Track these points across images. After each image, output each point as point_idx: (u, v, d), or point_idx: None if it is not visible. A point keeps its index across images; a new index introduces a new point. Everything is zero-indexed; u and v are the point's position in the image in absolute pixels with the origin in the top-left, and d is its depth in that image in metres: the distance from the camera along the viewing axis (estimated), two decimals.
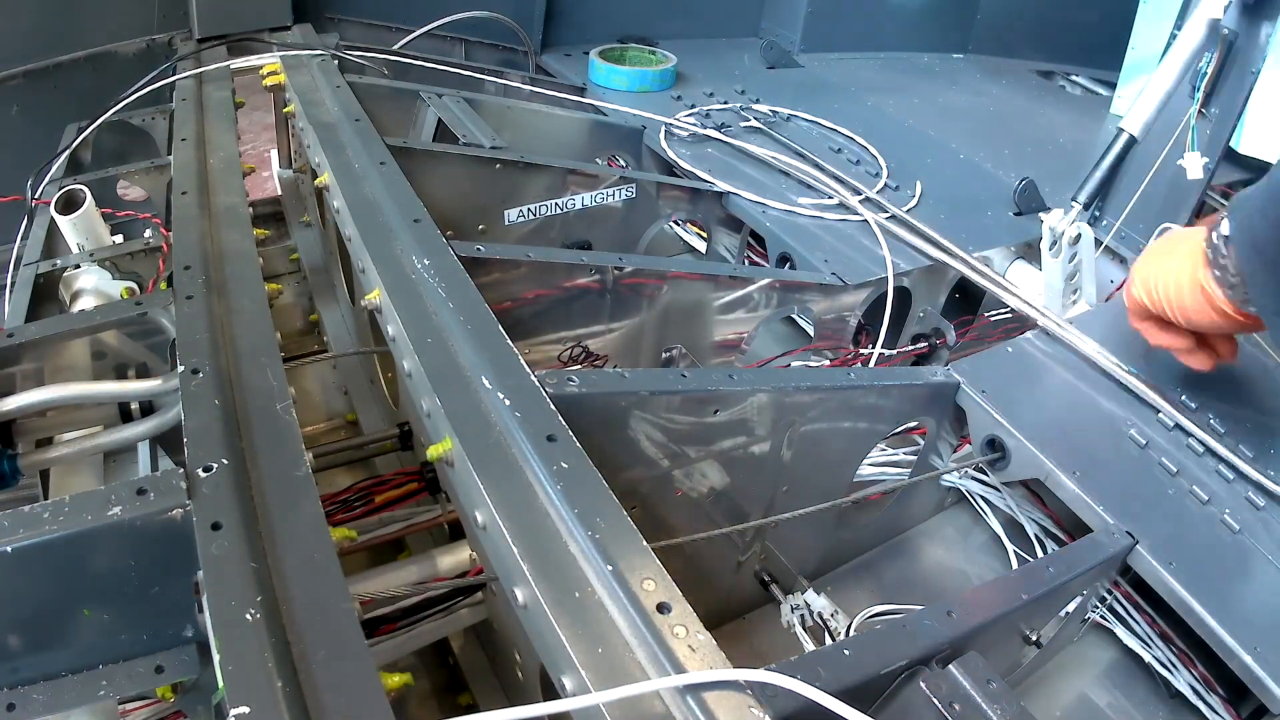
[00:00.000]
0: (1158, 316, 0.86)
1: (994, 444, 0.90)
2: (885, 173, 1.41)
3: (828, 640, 0.83)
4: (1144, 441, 0.90)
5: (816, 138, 1.54)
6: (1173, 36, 1.11)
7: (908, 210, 1.31)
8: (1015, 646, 0.79)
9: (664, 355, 1.08)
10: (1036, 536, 0.91)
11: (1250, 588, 0.79)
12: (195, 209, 0.93)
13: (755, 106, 1.62)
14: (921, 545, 1.04)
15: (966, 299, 1.36)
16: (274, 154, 1.58)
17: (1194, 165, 1.07)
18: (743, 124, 1.55)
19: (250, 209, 0.96)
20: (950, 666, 0.59)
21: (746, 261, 1.30)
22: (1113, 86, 1.98)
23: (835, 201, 1.29)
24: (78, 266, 0.99)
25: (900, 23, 2.20)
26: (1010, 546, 0.94)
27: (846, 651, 0.57)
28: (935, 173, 1.47)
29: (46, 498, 0.85)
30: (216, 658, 0.47)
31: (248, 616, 0.49)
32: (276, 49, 1.41)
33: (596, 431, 0.67)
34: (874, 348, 1.17)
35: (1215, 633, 0.74)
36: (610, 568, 0.52)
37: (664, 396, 0.71)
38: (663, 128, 1.44)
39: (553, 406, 0.64)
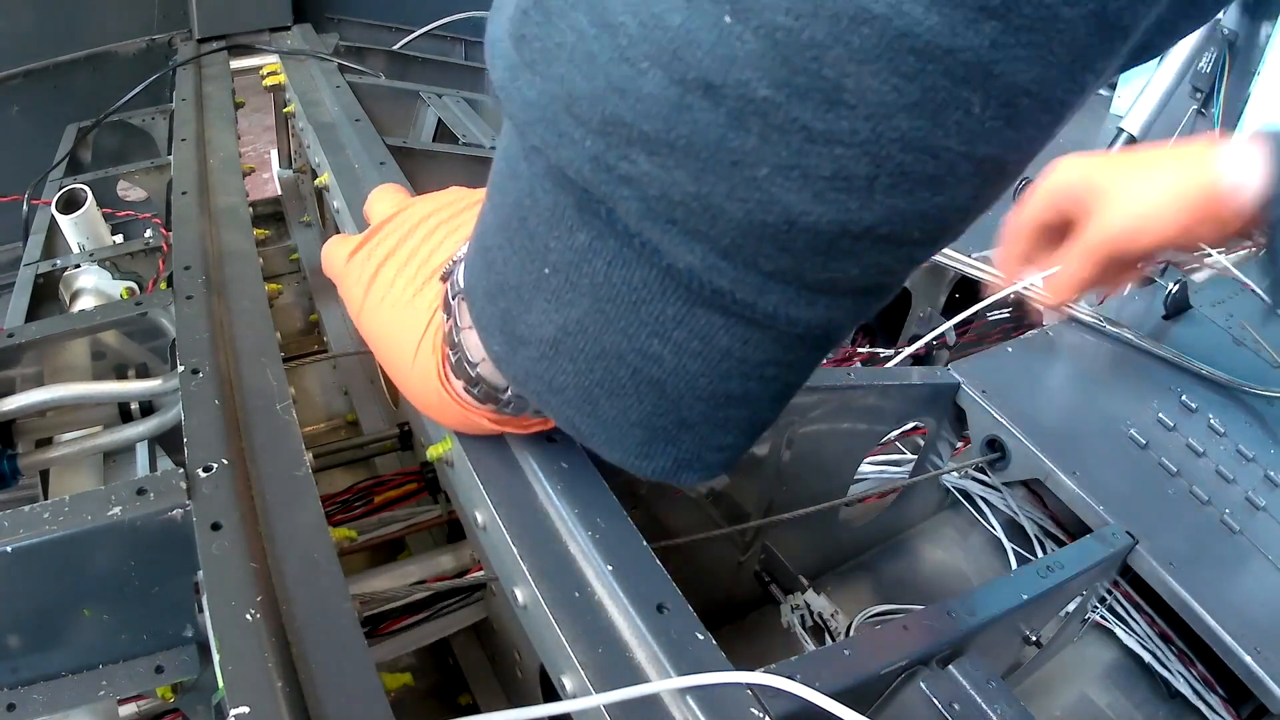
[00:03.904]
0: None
1: (994, 444, 0.90)
2: None
3: (828, 640, 0.83)
4: (1144, 441, 0.90)
5: None
6: None
7: None
8: (1015, 646, 0.79)
9: None
10: (1036, 537, 0.91)
11: (1250, 588, 0.79)
12: (195, 209, 0.93)
13: None
14: (921, 545, 1.04)
15: (966, 299, 1.36)
16: (274, 154, 1.58)
17: None
18: None
19: (250, 209, 0.96)
20: (950, 666, 0.59)
21: None
22: (1113, 86, 1.98)
23: None
24: (78, 266, 0.99)
25: None
26: (1010, 546, 0.94)
27: (846, 652, 0.57)
28: None
29: (46, 498, 0.85)
30: (216, 658, 0.47)
31: (248, 616, 0.49)
32: (276, 49, 1.41)
33: None
34: (873, 347, 1.17)
35: (1215, 633, 0.74)
36: (610, 568, 0.52)
37: None
38: None
39: None
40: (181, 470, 0.58)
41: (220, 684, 0.46)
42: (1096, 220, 0.72)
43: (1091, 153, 0.80)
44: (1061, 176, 0.78)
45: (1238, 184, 0.73)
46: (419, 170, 1.08)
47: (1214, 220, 0.73)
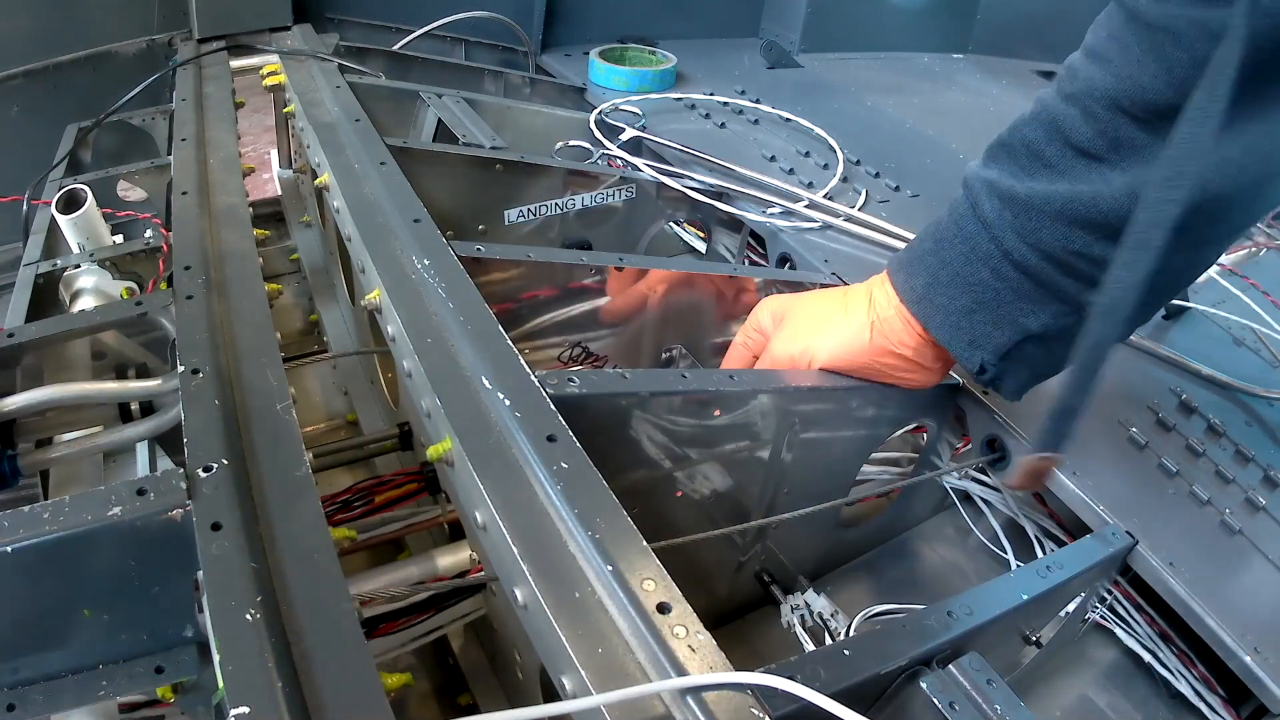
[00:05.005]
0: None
1: (994, 444, 0.90)
2: (840, 172, 1.39)
3: (828, 640, 0.83)
4: (1144, 441, 0.90)
5: (785, 140, 1.53)
6: None
7: (859, 209, 1.31)
8: (1015, 646, 0.79)
9: (663, 356, 1.08)
10: (1036, 537, 0.91)
11: (1250, 588, 0.79)
12: (195, 209, 0.93)
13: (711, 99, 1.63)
14: (921, 545, 1.04)
15: None
16: (274, 154, 1.58)
17: None
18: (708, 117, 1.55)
19: (250, 209, 0.96)
20: (950, 666, 0.59)
21: (746, 261, 1.30)
22: None
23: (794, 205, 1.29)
24: (78, 266, 0.99)
25: (900, 23, 2.20)
26: (1010, 546, 0.94)
27: (846, 652, 0.57)
28: (935, 173, 1.47)
29: (46, 498, 0.85)
30: (216, 658, 0.47)
31: (248, 616, 0.49)
32: (276, 49, 1.41)
33: (597, 432, 0.67)
34: None
35: (1215, 633, 0.74)
36: (610, 568, 0.52)
37: (664, 397, 0.71)
38: (592, 115, 1.44)
39: (553, 407, 0.64)
40: (181, 470, 0.58)
41: (220, 684, 0.46)
42: (771, 342, 0.87)
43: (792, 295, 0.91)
44: (763, 309, 0.89)
45: (888, 334, 0.80)
46: (419, 170, 1.08)
47: (895, 356, 0.81)
